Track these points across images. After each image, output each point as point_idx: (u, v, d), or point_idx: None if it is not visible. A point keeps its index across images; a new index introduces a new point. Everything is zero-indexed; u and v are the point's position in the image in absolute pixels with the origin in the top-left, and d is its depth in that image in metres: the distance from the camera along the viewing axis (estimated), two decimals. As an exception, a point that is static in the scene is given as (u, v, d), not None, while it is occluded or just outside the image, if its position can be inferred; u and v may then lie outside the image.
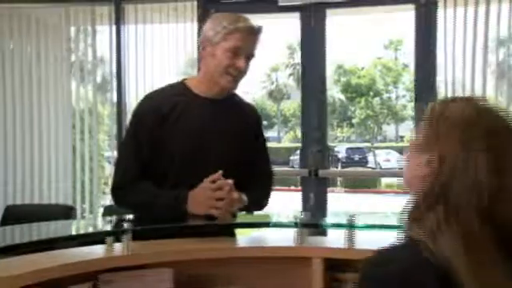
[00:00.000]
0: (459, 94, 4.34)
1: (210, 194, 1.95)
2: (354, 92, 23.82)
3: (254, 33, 2.08)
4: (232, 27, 2.03)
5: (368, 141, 24.18)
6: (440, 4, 4.05)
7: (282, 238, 1.91)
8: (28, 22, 4.68)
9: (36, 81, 4.68)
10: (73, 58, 4.81)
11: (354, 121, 24.61)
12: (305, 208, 4.47)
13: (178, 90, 2.16)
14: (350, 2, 4.28)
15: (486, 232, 0.99)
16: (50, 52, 4.70)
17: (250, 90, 31.17)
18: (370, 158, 21.07)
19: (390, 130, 24.90)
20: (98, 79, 5.06)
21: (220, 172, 1.97)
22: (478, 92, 4.16)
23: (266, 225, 2.11)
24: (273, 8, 4.39)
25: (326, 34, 4.39)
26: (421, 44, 4.20)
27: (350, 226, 1.80)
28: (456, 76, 4.22)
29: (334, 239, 1.90)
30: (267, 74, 29.89)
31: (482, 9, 4.01)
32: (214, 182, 1.96)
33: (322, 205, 4.47)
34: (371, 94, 23.62)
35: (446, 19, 4.06)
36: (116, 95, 4.60)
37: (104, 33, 4.74)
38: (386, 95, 23.95)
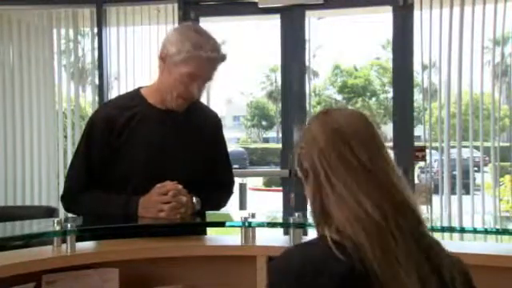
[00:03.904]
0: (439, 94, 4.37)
1: (156, 198, 2.01)
2: (352, 92, 23.90)
3: (216, 62, 2.07)
4: (195, 54, 2.00)
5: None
6: (416, 6, 4.08)
7: (232, 238, 1.94)
8: (9, 23, 4.71)
9: (18, 82, 4.71)
10: (55, 59, 4.83)
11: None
12: (285, 208, 4.50)
13: (134, 100, 2.16)
14: (328, 4, 4.29)
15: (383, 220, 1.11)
16: (32, 54, 4.73)
17: (246, 91, 31.33)
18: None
19: (387, 129, 24.96)
20: (82, 80, 5.10)
21: (175, 182, 2.02)
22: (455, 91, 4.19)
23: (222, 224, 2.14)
24: (253, 10, 4.40)
25: (305, 35, 4.41)
26: (399, 45, 4.22)
27: (298, 225, 1.83)
28: (432, 80, 4.29)
29: (281, 238, 1.93)
30: (266, 75, 29.98)
31: (457, 11, 4.05)
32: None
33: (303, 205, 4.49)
34: (368, 94, 23.70)
35: (422, 20, 4.09)
36: (98, 96, 4.62)
37: (86, 35, 4.77)
38: (382, 95, 24.02)
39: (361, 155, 1.16)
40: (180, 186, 2.01)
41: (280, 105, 5.17)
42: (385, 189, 1.14)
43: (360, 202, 1.12)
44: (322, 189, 1.17)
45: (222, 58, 2.08)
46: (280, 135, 4.94)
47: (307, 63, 4.65)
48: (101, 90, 4.59)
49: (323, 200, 1.17)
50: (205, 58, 2.02)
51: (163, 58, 2.08)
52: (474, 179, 4.45)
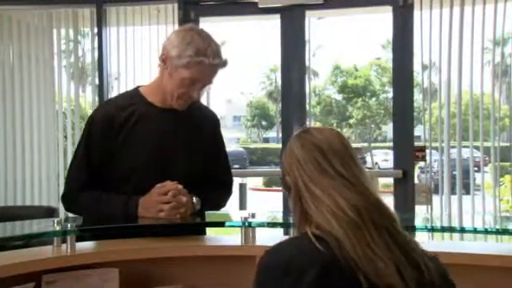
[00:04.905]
0: (438, 93, 4.38)
1: (156, 198, 2.01)
2: (352, 92, 23.90)
3: (217, 68, 2.07)
4: (197, 60, 2.00)
5: (367, 141, 24.26)
6: (416, 6, 4.08)
7: (232, 238, 1.94)
8: (9, 23, 4.71)
9: (18, 82, 4.71)
10: (55, 59, 4.83)
11: (350, 121, 24.66)
12: (285, 208, 4.50)
13: (134, 99, 2.16)
14: (328, 4, 4.29)
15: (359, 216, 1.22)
16: (32, 54, 4.72)
17: (246, 91, 31.31)
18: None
19: (387, 129, 24.95)
20: (82, 80, 5.09)
21: (175, 182, 2.02)
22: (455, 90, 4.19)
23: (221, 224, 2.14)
24: (253, 10, 4.40)
25: (305, 35, 4.41)
26: (399, 45, 4.22)
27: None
28: (432, 80, 4.29)
29: (281, 238, 1.92)
30: (267, 75, 29.98)
31: (457, 11, 4.05)
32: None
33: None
34: (368, 94, 23.70)
35: (422, 20, 4.09)
36: (98, 96, 4.63)
37: (86, 35, 4.78)
38: (382, 95, 24.02)
39: (336, 165, 1.28)
40: (180, 186, 2.01)
41: (280, 105, 5.17)
42: (359, 191, 1.25)
43: (337, 202, 1.22)
44: (302, 197, 1.28)
45: (224, 63, 2.09)
46: (280, 135, 4.95)
47: (307, 63, 4.65)
48: (101, 90, 4.59)
49: (303, 206, 1.28)
50: (206, 65, 2.02)
51: (164, 60, 2.08)
52: (474, 179, 4.45)
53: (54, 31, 4.77)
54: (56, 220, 1.74)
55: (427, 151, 4.12)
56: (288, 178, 1.34)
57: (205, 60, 2.01)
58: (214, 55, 2.03)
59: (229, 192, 2.32)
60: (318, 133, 1.36)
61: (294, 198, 1.32)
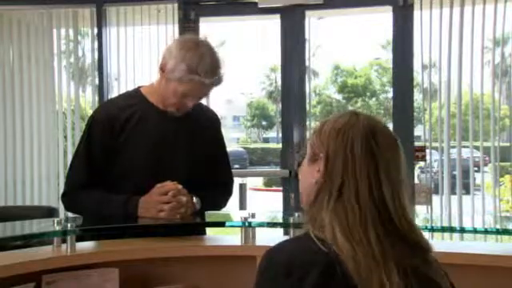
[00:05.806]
0: (438, 92, 4.38)
1: (156, 198, 2.01)
2: (352, 92, 23.92)
3: (210, 86, 2.07)
4: (189, 77, 2.01)
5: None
6: (416, 6, 4.08)
7: (232, 238, 1.94)
8: (9, 23, 4.71)
9: (18, 82, 4.71)
10: (55, 59, 4.83)
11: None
12: (285, 208, 4.51)
13: (135, 99, 2.17)
14: (328, 4, 4.29)
15: (367, 214, 1.14)
16: (32, 54, 4.72)
17: (247, 91, 31.28)
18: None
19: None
20: (82, 81, 5.09)
21: (175, 182, 2.03)
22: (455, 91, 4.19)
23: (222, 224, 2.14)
24: (253, 10, 4.41)
25: (305, 35, 4.41)
26: (399, 45, 4.23)
27: (297, 225, 1.82)
28: (432, 80, 4.29)
29: (281, 238, 1.92)
30: (266, 75, 29.96)
31: (457, 11, 4.06)
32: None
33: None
34: (368, 94, 23.72)
35: (422, 20, 4.09)
36: (98, 96, 4.63)
37: (86, 35, 4.78)
38: (382, 95, 24.05)
39: (386, 190, 1.17)
40: (180, 186, 2.02)
41: (280, 105, 5.17)
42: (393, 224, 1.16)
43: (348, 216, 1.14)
44: (330, 191, 1.17)
45: (217, 81, 2.08)
46: (280, 135, 4.95)
47: (307, 63, 4.65)
48: (101, 90, 4.59)
49: (323, 202, 1.17)
50: (197, 82, 2.03)
51: (162, 68, 2.09)
52: (474, 179, 4.44)
53: (54, 31, 4.77)
54: (56, 220, 1.74)
55: (427, 151, 4.12)
56: (326, 153, 1.19)
57: (195, 78, 2.01)
58: (205, 73, 2.02)
59: (229, 192, 2.33)
60: (383, 137, 1.26)
61: (323, 182, 1.19)
